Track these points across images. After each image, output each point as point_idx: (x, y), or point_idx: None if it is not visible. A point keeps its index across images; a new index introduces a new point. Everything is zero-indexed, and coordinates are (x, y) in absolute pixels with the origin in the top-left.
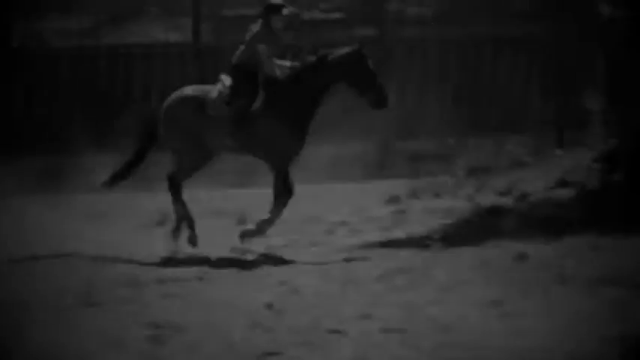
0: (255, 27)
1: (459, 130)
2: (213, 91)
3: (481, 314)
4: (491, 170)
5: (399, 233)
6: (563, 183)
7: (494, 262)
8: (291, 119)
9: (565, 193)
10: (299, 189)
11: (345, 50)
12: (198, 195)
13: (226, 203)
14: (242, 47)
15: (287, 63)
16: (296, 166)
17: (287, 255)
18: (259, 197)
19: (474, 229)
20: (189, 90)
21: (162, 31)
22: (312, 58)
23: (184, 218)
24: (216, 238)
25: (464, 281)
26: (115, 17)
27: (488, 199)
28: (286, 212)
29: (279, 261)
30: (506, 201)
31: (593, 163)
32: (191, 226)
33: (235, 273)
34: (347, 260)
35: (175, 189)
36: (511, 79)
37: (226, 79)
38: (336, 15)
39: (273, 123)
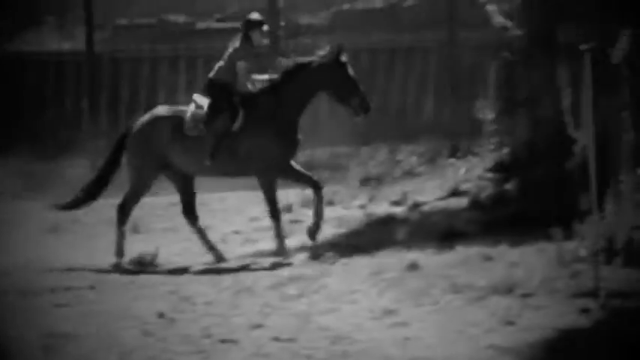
0: (235, 43)
1: (353, 140)
2: (188, 111)
3: (374, 324)
4: (384, 180)
5: (292, 242)
6: (456, 193)
7: (387, 271)
8: (272, 132)
9: (458, 203)
10: (201, 198)
11: (323, 57)
12: (93, 204)
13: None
14: (220, 63)
15: (265, 76)
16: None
17: (179, 264)
18: (153, 206)
19: (367, 239)
20: (162, 110)
21: (57, 39)
22: (289, 67)
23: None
24: (110, 247)
25: (356, 290)
26: (10, 26)
27: (381, 209)
28: (179, 221)
29: (171, 270)
30: (400, 210)
31: (486, 172)
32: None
33: (128, 282)
34: (239, 269)
35: (123, 216)
36: (405, 88)
37: (200, 99)
38: (231, 24)
39: (255, 138)
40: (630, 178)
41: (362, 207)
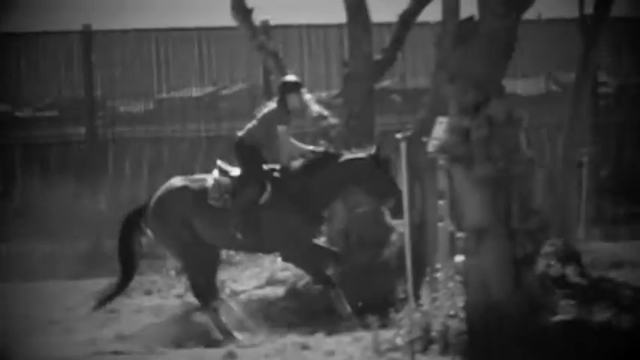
0: (271, 105)
1: None
2: (209, 179)
3: None
4: None
5: (109, 332)
6: (273, 282)
7: None
8: (300, 213)
9: (275, 292)
10: (13, 287)
11: (363, 153)
12: None
13: None
14: (254, 122)
15: (304, 146)
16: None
17: None
18: None
19: (184, 328)
20: (179, 181)
21: None
22: (328, 154)
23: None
24: None
25: None
26: None
27: None
28: None
29: None
30: (218, 300)
31: None
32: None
33: None
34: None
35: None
36: None
37: (225, 165)
38: (49, 113)
39: (283, 216)
40: (446, 266)
41: (179, 296)
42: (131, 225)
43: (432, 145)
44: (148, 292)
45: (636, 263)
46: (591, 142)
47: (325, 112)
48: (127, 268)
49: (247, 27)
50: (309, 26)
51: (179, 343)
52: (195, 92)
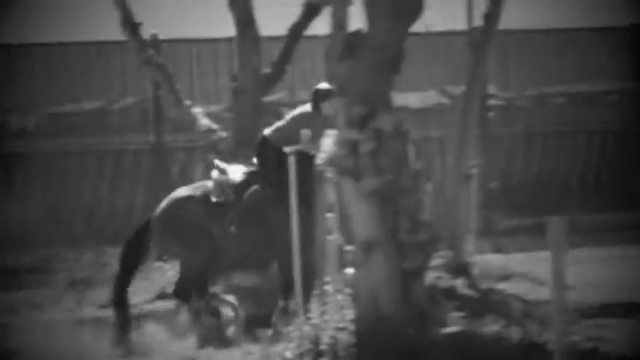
0: (302, 109)
1: (60, 243)
2: (209, 183)
3: None
4: (92, 283)
5: None
6: (163, 295)
7: None
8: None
9: (165, 306)
10: None
11: None
12: None
13: None
14: (282, 123)
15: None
16: None
17: None
18: None
19: (73, 343)
20: (183, 191)
21: None
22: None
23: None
24: None
25: None
26: None
27: (89, 312)
28: None
29: None
30: (109, 313)
31: None
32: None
33: None
34: None
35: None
36: (116, 190)
37: (222, 164)
38: None
39: (279, 213)
40: (335, 279)
41: (69, 311)
42: (136, 254)
43: (320, 158)
44: (37, 307)
45: (525, 275)
46: (480, 154)
47: (214, 126)
48: (122, 303)
49: (135, 41)
50: (198, 40)
51: (72, 357)
52: (85, 106)
